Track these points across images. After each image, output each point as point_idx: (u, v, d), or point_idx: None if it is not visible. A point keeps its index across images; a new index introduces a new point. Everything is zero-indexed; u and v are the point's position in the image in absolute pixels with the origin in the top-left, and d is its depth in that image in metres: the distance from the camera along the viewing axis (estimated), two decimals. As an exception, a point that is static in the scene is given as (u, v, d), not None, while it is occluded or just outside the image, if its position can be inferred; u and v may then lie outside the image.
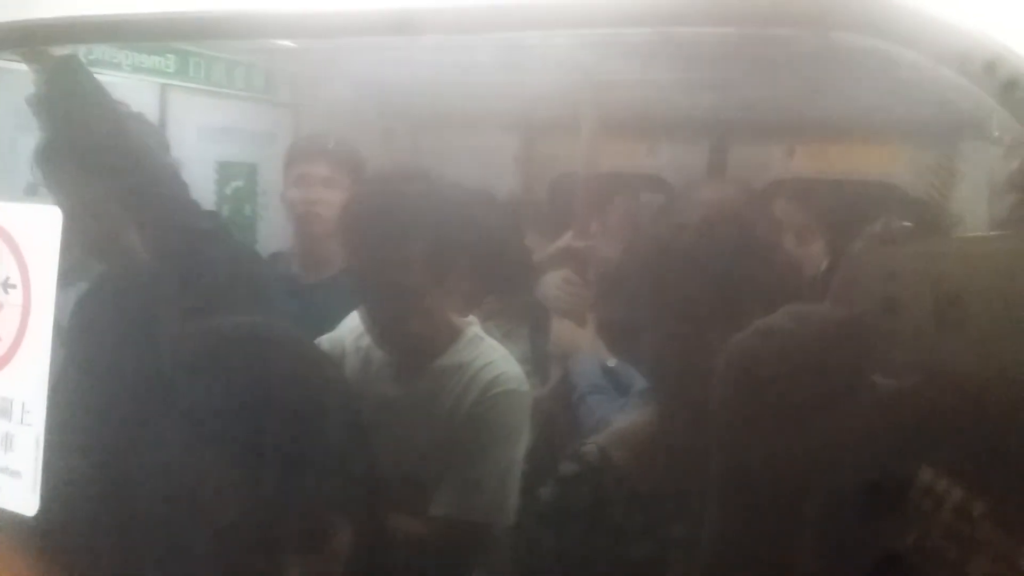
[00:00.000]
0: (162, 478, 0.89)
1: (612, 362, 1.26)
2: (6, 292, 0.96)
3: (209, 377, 0.89)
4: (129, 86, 1.40)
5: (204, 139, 1.58)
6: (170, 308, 1.11)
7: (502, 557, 1.14)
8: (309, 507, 0.88)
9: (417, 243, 1.17)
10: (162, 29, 0.90)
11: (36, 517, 0.94)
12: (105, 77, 1.24)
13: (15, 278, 0.95)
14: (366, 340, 1.24)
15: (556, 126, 1.36)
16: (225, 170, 1.60)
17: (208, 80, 1.55)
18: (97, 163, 1.20)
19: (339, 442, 0.92)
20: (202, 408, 0.88)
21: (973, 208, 0.92)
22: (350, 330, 1.27)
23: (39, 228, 0.95)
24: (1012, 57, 0.54)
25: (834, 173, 1.24)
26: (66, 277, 0.98)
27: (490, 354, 1.21)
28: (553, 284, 1.27)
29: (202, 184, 1.45)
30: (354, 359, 1.25)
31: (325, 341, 1.27)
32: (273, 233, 1.60)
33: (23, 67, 1.12)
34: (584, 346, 1.29)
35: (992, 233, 0.74)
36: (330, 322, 1.29)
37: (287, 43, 1.02)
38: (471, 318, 1.26)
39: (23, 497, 0.94)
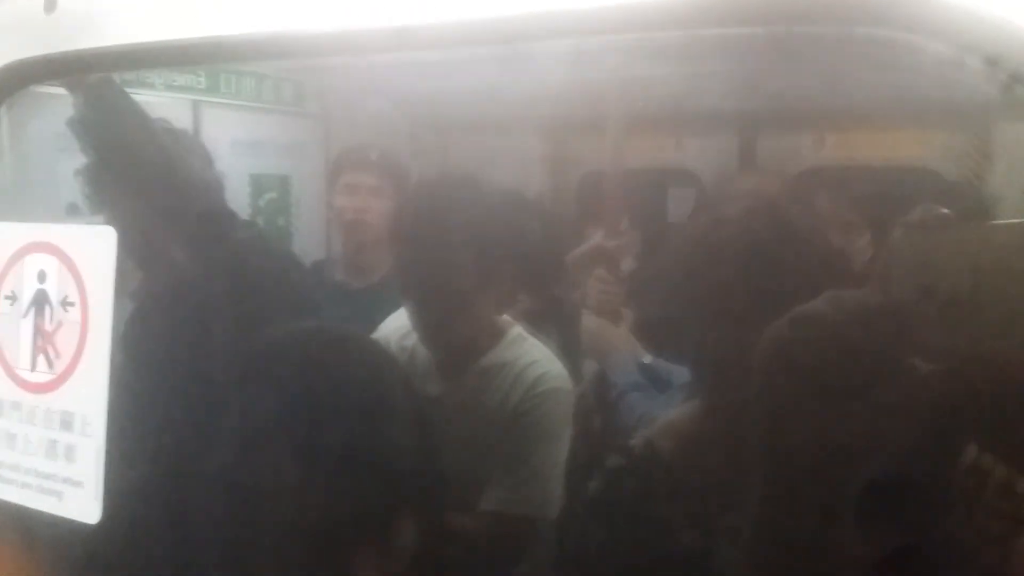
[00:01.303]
0: (226, 483, 0.92)
1: (648, 358, 1.26)
2: (65, 310, 0.99)
3: (280, 381, 0.91)
4: (162, 104, 1.43)
5: (237, 153, 1.60)
6: (222, 317, 1.13)
7: (551, 550, 1.15)
8: (378, 503, 0.90)
9: (466, 247, 1.19)
10: (193, 54, 0.92)
11: (99, 525, 0.97)
12: (139, 97, 1.27)
13: (73, 296, 0.99)
14: (411, 339, 1.26)
15: (585, 125, 1.36)
16: (258, 182, 1.62)
17: (239, 95, 1.58)
18: (137, 180, 1.23)
19: (406, 438, 0.94)
20: (270, 412, 0.90)
21: (1011, 192, 0.91)
22: (395, 329, 1.28)
23: (95, 247, 0.98)
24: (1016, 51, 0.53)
25: (867, 160, 1.23)
26: (119, 291, 1.01)
27: (534, 353, 1.22)
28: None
29: (236, 197, 1.48)
30: (400, 358, 1.27)
31: None
32: (309, 243, 1.62)
33: (62, 91, 1.15)
34: (618, 344, 1.29)
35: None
36: (378, 325, 1.30)
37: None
38: (506, 318, 1.27)
39: (86, 506, 0.98)
